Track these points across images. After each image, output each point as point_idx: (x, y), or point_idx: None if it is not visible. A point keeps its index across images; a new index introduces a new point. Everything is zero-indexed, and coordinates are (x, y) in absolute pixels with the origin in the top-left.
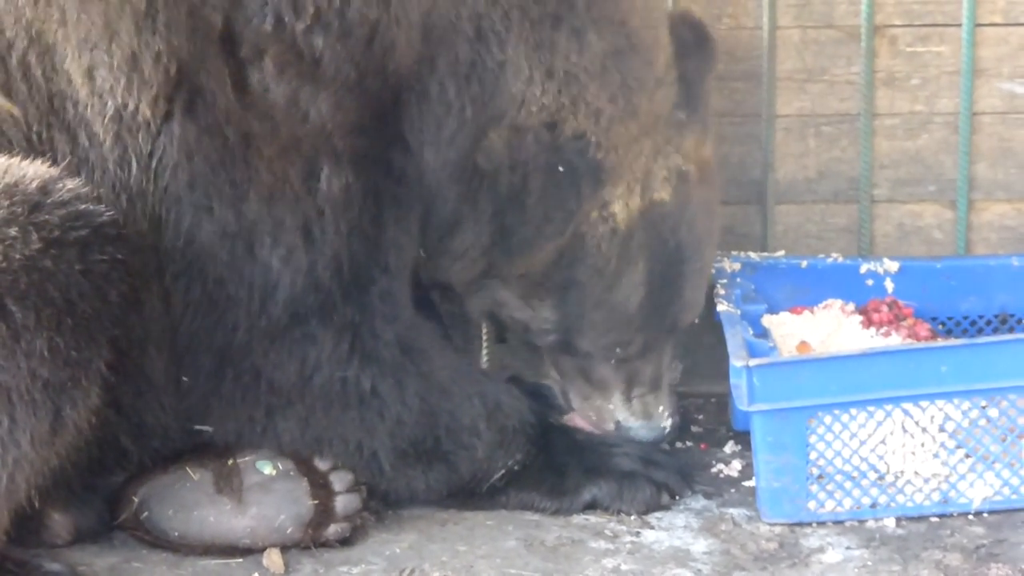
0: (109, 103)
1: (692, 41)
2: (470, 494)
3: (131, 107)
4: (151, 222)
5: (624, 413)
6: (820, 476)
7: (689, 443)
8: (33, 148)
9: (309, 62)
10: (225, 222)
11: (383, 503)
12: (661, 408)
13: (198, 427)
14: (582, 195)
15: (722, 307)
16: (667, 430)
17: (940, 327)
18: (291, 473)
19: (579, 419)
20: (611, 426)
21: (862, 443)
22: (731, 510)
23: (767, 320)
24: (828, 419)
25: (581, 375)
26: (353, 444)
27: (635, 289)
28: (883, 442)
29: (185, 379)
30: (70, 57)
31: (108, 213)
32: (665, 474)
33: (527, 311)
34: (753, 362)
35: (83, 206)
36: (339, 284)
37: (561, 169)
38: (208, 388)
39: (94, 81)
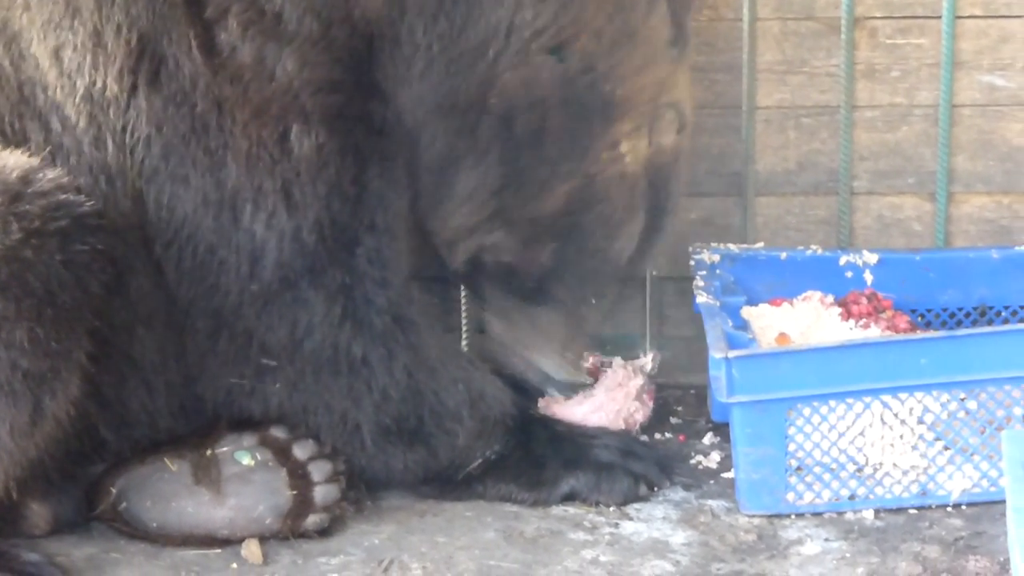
0: (78, 83)
1: None
2: (446, 481)
3: (99, 84)
4: (133, 199)
5: (552, 364)
6: (799, 468)
7: (668, 435)
8: (8, 140)
9: (271, 18)
10: (205, 190)
11: (361, 485)
12: (583, 363)
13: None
14: (594, 131)
15: (702, 299)
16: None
17: (919, 319)
18: (270, 463)
19: (554, 405)
20: (536, 375)
21: (841, 435)
22: (710, 502)
23: (747, 312)
24: (807, 411)
25: (526, 322)
26: (338, 414)
27: (631, 241)
28: (862, 434)
29: (185, 345)
30: (36, 41)
31: (88, 203)
32: (644, 465)
33: (523, 255)
34: (732, 354)
35: (63, 196)
36: (324, 247)
37: (577, 101)
38: (205, 349)
39: (61, 62)
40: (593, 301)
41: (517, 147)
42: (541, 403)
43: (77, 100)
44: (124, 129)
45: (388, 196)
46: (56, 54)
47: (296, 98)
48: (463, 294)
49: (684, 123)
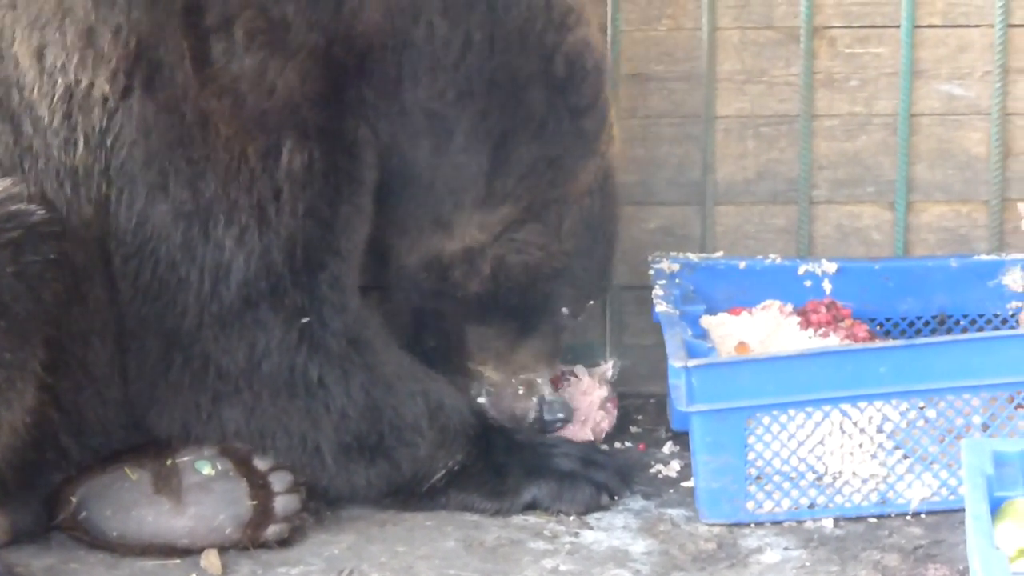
0: (59, 81)
1: None
2: (410, 494)
3: (84, 83)
4: (97, 207)
5: (548, 388)
6: (759, 477)
7: (628, 443)
8: None
9: (279, 30)
10: (180, 201)
11: (323, 500)
12: (542, 398)
13: (141, 418)
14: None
15: (661, 308)
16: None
17: (878, 328)
18: (230, 473)
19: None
20: (534, 401)
21: (800, 444)
22: (670, 510)
23: (706, 321)
24: (767, 420)
25: (509, 350)
26: (297, 436)
27: (608, 243)
28: (821, 443)
29: (132, 366)
30: (18, 40)
31: (41, 212)
32: (604, 475)
33: (551, 248)
34: (692, 363)
35: (15, 207)
36: (290, 268)
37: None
38: (155, 374)
39: (43, 61)
40: (588, 305)
41: (573, 115)
42: None
43: (55, 100)
44: (105, 132)
45: (354, 220)
46: (39, 53)
47: (294, 112)
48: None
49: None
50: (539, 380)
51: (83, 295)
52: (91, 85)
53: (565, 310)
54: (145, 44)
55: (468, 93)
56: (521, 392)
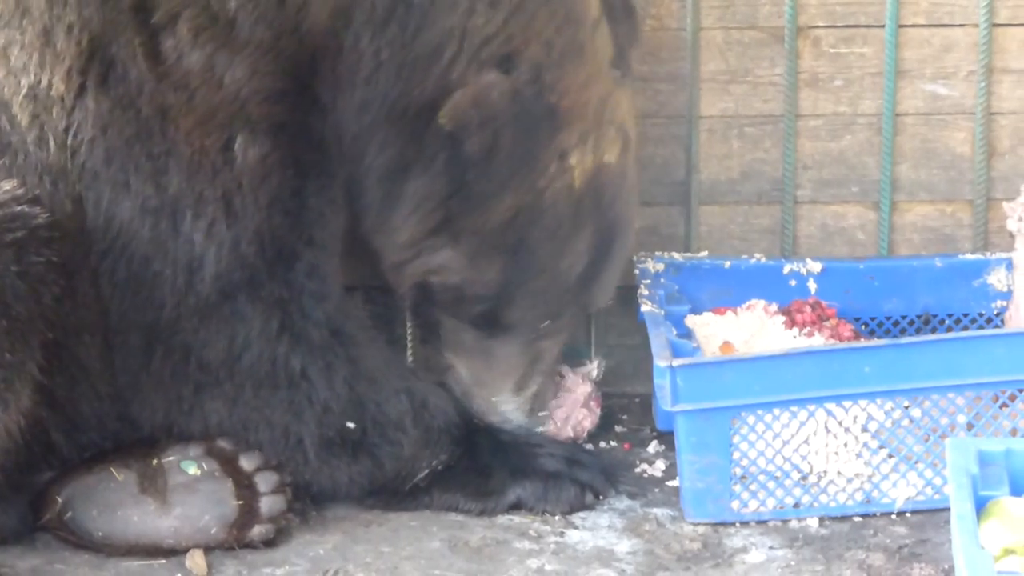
0: (23, 81)
1: (620, 7)
2: (393, 493)
3: (44, 83)
4: (73, 203)
5: (511, 406)
6: (743, 476)
7: (613, 443)
8: None
9: (223, 25)
10: (145, 197)
11: (308, 499)
12: (541, 414)
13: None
14: (541, 142)
15: (646, 307)
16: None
17: (863, 328)
18: (216, 473)
19: None
20: (495, 416)
21: (785, 443)
22: (655, 510)
23: (691, 321)
24: (751, 419)
25: (483, 358)
26: (279, 429)
27: (579, 258)
28: (806, 442)
29: (117, 360)
30: None
31: (44, 215)
32: (589, 474)
33: (470, 274)
34: (677, 362)
35: (19, 208)
36: (263, 259)
37: (527, 116)
38: (138, 366)
39: (9, 60)
40: (547, 322)
41: (465, 162)
42: None
43: (22, 99)
44: (67, 130)
45: (326, 213)
46: (4, 52)
47: (243, 107)
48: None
49: (627, 143)
50: (500, 400)
51: (74, 290)
52: (50, 84)
53: (545, 323)
54: (98, 42)
55: (374, 116)
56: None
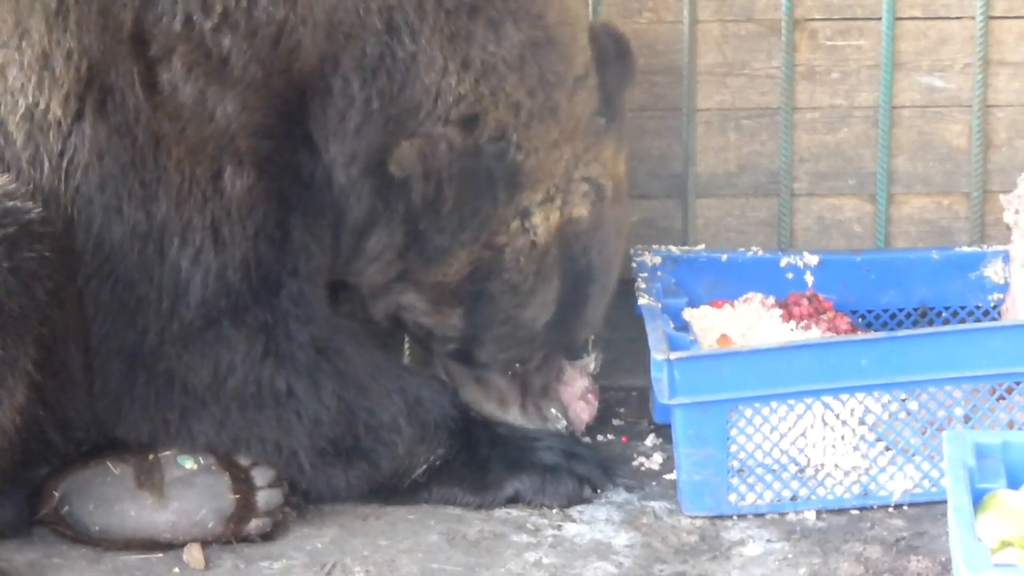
0: (20, 101)
1: (613, 51)
2: (392, 490)
3: (42, 106)
4: (65, 223)
5: (521, 422)
6: (741, 469)
7: (610, 436)
8: None
9: (216, 61)
10: (135, 223)
11: (304, 500)
12: (553, 410)
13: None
14: (498, 199)
15: (643, 301)
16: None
17: (860, 320)
18: (212, 468)
19: None
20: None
21: (782, 436)
22: (652, 503)
23: (688, 314)
24: (749, 412)
25: (475, 383)
26: (271, 444)
27: (545, 308)
28: (803, 435)
29: (97, 383)
30: None
31: (36, 210)
32: (587, 467)
33: (434, 318)
34: (674, 355)
35: (11, 203)
36: (249, 287)
37: (478, 173)
38: (120, 391)
39: (6, 79)
40: (517, 366)
41: (415, 212)
42: None
43: (18, 119)
44: (62, 154)
45: (311, 246)
46: (2, 71)
47: (232, 140)
48: None
49: (601, 194)
50: (507, 418)
51: (62, 300)
52: (47, 108)
53: (516, 365)
54: (96, 69)
55: (360, 168)
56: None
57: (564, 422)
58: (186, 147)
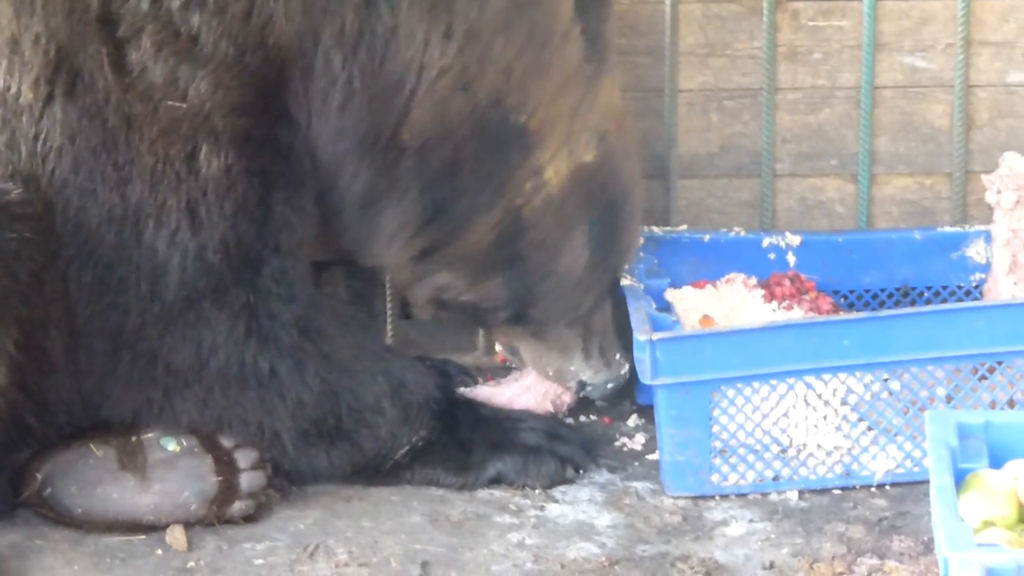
0: None
1: None
2: (375, 471)
3: (13, 90)
4: (44, 206)
5: (588, 372)
6: (723, 449)
7: (593, 417)
8: None
9: (186, 40)
10: (111, 205)
11: (287, 481)
12: (617, 354)
13: (95, 412)
14: (512, 162)
15: (625, 281)
16: (626, 373)
17: (842, 300)
18: (195, 450)
19: (482, 386)
20: (573, 385)
21: (765, 416)
22: (635, 484)
23: (670, 294)
24: (731, 393)
25: (536, 339)
26: (254, 425)
27: (579, 253)
28: (786, 415)
29: (82, 363)
30: None
31: (16, 191)
32: (570, 448)
33: (475, 292)
34: (656, 336)
35: None
36: (229, 266)
37: (491, 131)
38: (104, 371)
39: None
40: (571, 314)
41: (435, 181)
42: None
43: None
44: (36, 137)
45: (293, 221)
46: None
47: (207, 119)
48: (388, 281)
49: (604, 137)
50: (571, 368)
51: (43, 282)
52: (19, 92)
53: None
54: (65, 51)
55: (348, 144)
56: (551, 375)
57: (627, 367)
58: (159, 128)
